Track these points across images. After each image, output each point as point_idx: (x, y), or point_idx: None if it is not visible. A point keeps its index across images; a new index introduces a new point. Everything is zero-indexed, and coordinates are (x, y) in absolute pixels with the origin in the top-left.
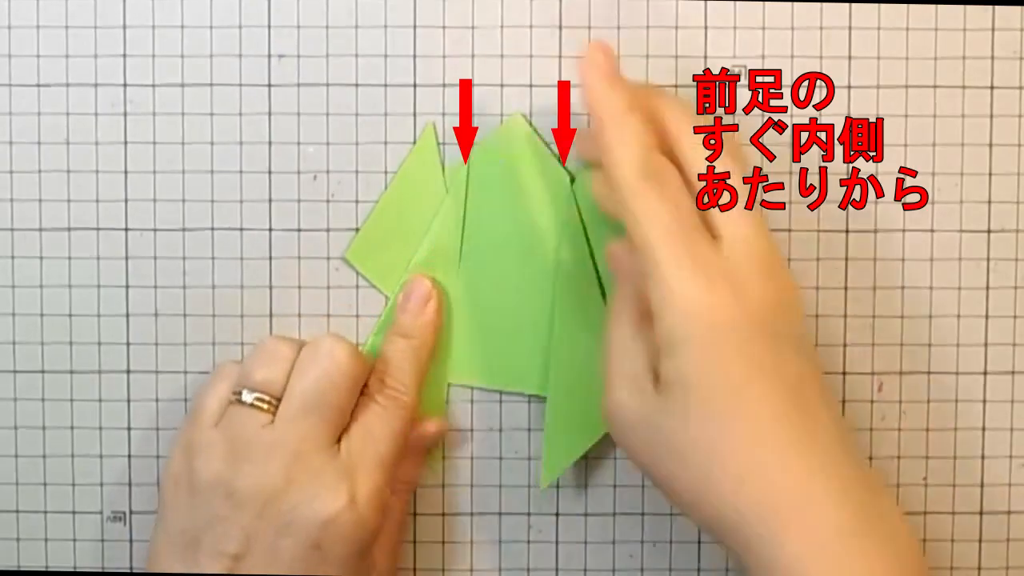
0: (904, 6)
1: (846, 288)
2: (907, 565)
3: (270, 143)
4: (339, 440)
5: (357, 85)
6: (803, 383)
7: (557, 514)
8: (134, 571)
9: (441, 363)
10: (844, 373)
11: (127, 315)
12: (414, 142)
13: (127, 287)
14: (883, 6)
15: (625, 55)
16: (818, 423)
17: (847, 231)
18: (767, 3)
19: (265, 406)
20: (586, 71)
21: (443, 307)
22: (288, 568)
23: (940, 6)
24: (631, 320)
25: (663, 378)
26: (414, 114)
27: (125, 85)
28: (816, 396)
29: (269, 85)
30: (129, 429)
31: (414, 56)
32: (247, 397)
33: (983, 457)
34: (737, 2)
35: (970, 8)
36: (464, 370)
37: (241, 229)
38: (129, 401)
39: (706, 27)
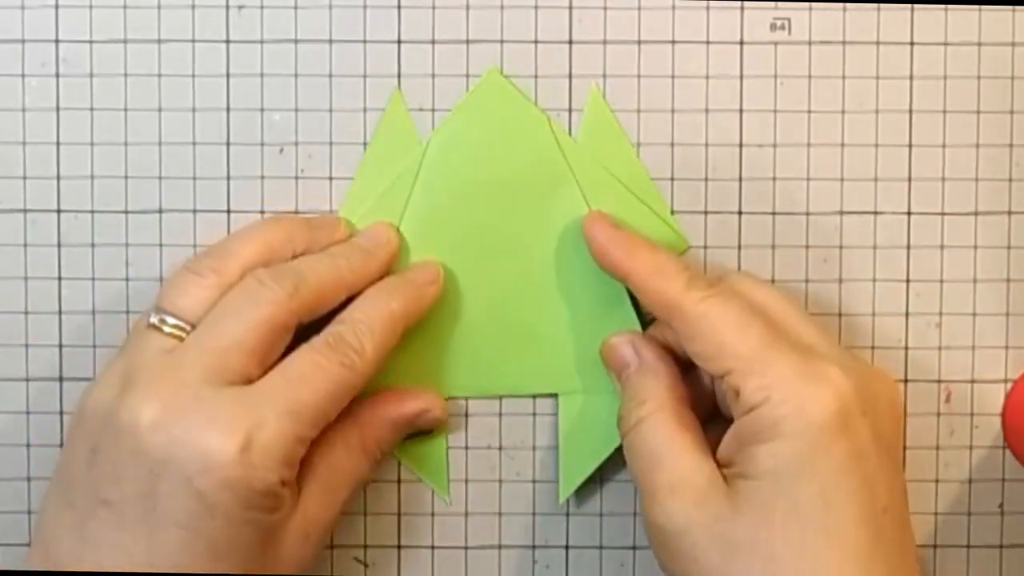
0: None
1: (908, 280)
2: None
3: (228, 109)
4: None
5: (331, 41)
6: (884, 490)
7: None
8: (133, 571)
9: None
10: (906, 380)
11: (59, 312)
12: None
13: (60, 279)
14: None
15: None
16: (884, 528)
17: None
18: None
19: (168, 329)
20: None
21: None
22: (166, 520)
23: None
24: (672, 415)
25: (749, 468)
26: (398, 75)
27: (57, 41)
28: (891, 504)
29: (227, 41)
30: None
31: (399, 7)
32: (153, 318)
33: None
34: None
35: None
36: (458, 381)
37: (194, 211)
38: None
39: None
